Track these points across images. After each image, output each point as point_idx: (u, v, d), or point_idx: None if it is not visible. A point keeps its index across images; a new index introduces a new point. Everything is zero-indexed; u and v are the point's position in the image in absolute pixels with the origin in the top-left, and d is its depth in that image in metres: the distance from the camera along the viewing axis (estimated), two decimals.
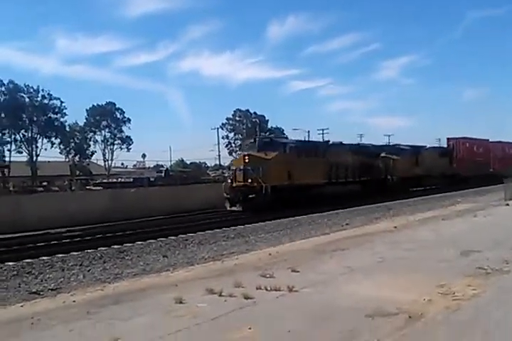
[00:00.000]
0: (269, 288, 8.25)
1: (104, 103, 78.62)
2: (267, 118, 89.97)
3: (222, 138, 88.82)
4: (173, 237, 16.83)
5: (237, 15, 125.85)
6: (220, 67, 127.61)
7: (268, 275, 9.39)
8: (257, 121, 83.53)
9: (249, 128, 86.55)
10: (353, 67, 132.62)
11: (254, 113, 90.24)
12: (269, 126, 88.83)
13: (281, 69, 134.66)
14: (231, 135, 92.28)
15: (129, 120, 79.08)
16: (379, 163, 35.91)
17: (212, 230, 18.58)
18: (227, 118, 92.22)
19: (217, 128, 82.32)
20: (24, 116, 67.31)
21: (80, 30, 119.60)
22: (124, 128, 79.61)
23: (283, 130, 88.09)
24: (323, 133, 70.34)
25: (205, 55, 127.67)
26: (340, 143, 33.62)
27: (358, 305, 7.20)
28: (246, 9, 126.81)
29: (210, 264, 11.98)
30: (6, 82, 66.40)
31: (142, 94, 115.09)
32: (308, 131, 69.72)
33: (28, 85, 68.16)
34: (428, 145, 48.13)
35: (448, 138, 51.78)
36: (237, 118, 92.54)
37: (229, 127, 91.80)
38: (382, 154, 36.83)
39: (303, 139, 37.68)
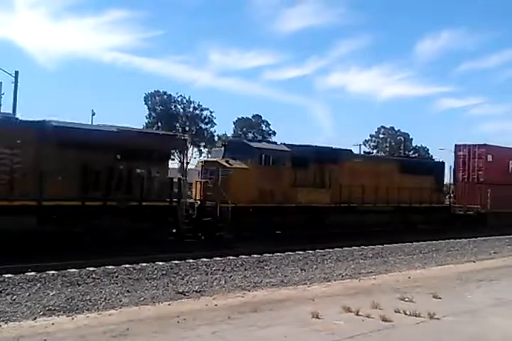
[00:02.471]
0: (408, 313, 8.04)
1: (251, 115, 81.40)
2: (411, 137, 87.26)
3: None
4: (311, 251, 16.96)
5: (387, 31, 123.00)
6: (366, 83, 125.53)
7: (407, 299, 9.17)
8: (402, 139, 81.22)
9: (393, 146, 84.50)
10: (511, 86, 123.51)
11: (399, 130, 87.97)
12: (413, 145, 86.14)
13: (430, 86, 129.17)
14: (374, 152, 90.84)
15: (274, 133, 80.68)
16: (151, 170, 17.25)
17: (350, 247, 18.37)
18: (371, 135, 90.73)
19: (360, 145, 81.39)
20: (178, 125, 71.89)
21: (233, 45, 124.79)
22: (269, 140, 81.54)
23: (428, 149, 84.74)
24: None
25: (352, 71, 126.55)
26: None
27: None
28: (396, 24, 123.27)
29: (347, 282, 11.95)
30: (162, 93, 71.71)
31: (288, 108, 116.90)
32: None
33: (181, 96, 72.85)
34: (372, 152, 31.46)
35: (457, 145, 31.11)
36: (381, 136, 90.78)
37: (372, 144, 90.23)
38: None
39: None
